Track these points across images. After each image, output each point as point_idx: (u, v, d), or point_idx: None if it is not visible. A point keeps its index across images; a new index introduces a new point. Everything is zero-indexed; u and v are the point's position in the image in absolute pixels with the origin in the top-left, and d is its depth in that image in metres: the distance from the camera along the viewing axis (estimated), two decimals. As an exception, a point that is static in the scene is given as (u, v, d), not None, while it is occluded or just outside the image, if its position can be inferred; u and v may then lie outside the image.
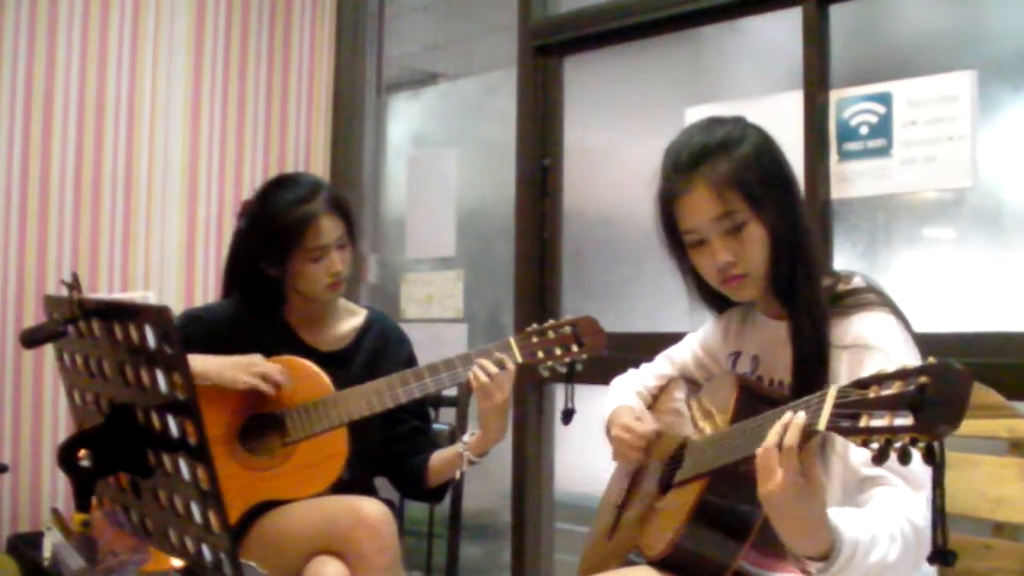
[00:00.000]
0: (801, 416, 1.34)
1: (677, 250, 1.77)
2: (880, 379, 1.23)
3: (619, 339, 2.62)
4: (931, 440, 1.16)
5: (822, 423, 1.29)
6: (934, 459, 1.18)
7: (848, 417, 1.25)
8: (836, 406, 1.27)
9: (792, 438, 1.33)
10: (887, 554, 1.41)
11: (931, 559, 1.25)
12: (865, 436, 1.21)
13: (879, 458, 1.19)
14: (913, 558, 1.46)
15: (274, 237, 2.31)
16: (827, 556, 1.38)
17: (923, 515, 1.48)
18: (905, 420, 1.17)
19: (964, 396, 1.15)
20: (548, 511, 3.23)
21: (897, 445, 1.18)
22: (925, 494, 1.49)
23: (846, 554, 1.37)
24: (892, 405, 1.19)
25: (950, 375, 1.16)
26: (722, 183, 1.66)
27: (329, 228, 2.30)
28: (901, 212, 2.55)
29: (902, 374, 1.20)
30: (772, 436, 1.35)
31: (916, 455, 1.18)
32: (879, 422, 1.20)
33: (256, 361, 2.23)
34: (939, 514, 1.23)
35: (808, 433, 1.32)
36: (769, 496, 1.35)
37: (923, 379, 1.17)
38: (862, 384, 1.25)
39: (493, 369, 2.15)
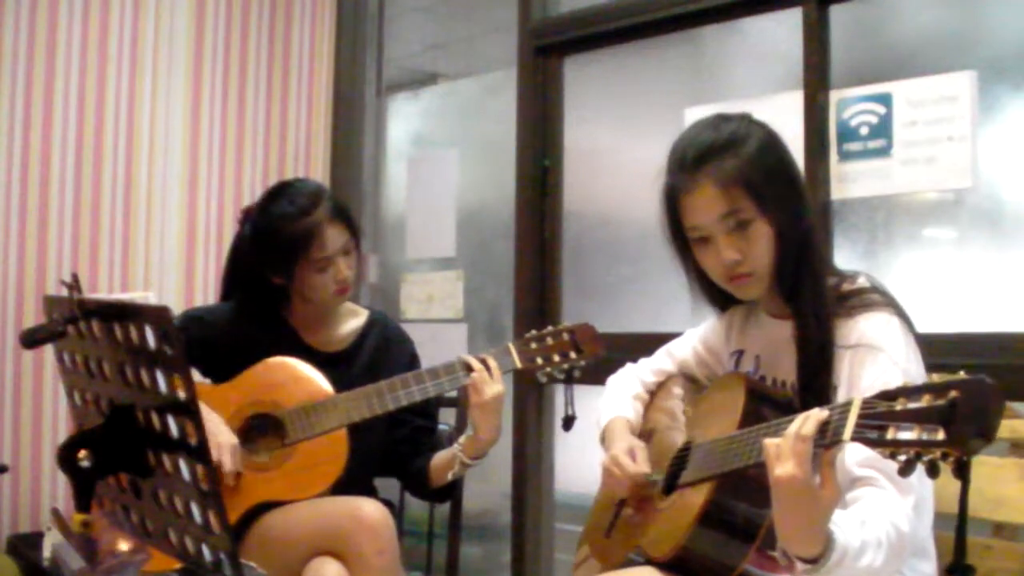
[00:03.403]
0: (824, 413, 1.34)
1: (681, 247, 1.77)
2: (908, 391, 1.23)
3: (618, 339, 2.62)
4: (963, 455, 1.16)
5: (847, 433, 1.28)
6: (965, 475, 1.18)
7: (874, 428, 1.24)
8: (861, 416, 1.27)
9: (808, 428, 1.33)
10: (873, 560, 1.42)
11: (950, 572, 1.25)
12: (893, 448, 1.21)
13: (905, 470, 1.19)
14: (895, 562, 1.47)
15: (278, 249, 2.29)
16: (817, 558, 1.38)
17: (908, 520, 1.49)
18: (935, 435, 1.16)
19: (996, 411, 1.16)
20: (548, 511, 3.23)
21: (926, 459, 1.17)
22: (912, 499, 1.51)
23: (835, 559, 1.38)
24: (922, 418, 1.19)
25: (982, 390, 1.16)
26: (728, 181, 1.65)
27: (333, 237, 2.29)
28: (901, 212, 2.55)
29: (931, 388, 1.20)
30: (792, 426, 1.35)
31: (924, 472, 1.18)
32: (907, 435, 1.20)
33: (225, 443, 2.17)
34: (962, 529, 1.23)
35: (831, 443, 1.32)
36: (778, 482, 1.35)
37: (954, 393, 1.17)
38: (889, 395, 1.25)
39: (477, 365, 2.16)
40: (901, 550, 1.47)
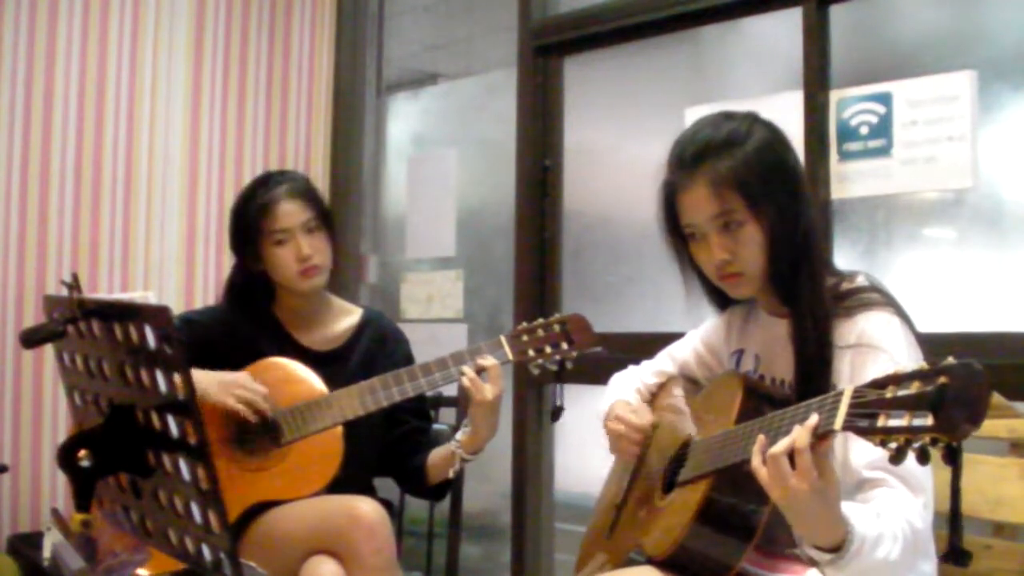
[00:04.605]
0: (813, 419, 1.34)
1: (678, 243, 1.77)
2: (898, 379, 1.23)
3: (618, 339, 2.63)
4: (952, 440, 1.16)
5: (838, 423, 1.29)
6: (955, 459, 1.18)
7: (865, 416, 1.24)
8: (852, 406, 1.27)
9: (803, 440, 1.33)
10: (890, 552, 1.43)
11: (946, 558, 1.25)
12: (883, 436, 1.21)
13: (897, 457, 1.19)
14: (911, 558, 1.49)
15: (241, 228, 2.38)
16: (838, 547, 1.39)
17: (921, 518, 1.50)
18: (925, 420, 1.16)
19: (985, 396, 1.16)
20: (548, 511, 3.23)
21: (916, 445, 1.17)
22: (924, 499, 1.51)
23: (855, 547, 1.39)
24: (911, 405, 1.19)
25: (970, 375, 1.16)
26: (721, 182, 1.65)
27: (288, 212, 2.33)
28: (901, 212, 2.55)
29: (921, 374, 1.20)
30: (783, 443, 1.35)
31: (915, 458, 1.18)
32: (898, 422, 1.19)
33: (242, 383, 2.21)
34: (956, 514, 1.23)
35: (824, 433, 1.32)
36: (783, 499, 1.36)
37: (943, 379, 1.17)
38: (879, 384, 1.25)
39: (471, 374, 2.16)
40: (916, 545, 1.48)
